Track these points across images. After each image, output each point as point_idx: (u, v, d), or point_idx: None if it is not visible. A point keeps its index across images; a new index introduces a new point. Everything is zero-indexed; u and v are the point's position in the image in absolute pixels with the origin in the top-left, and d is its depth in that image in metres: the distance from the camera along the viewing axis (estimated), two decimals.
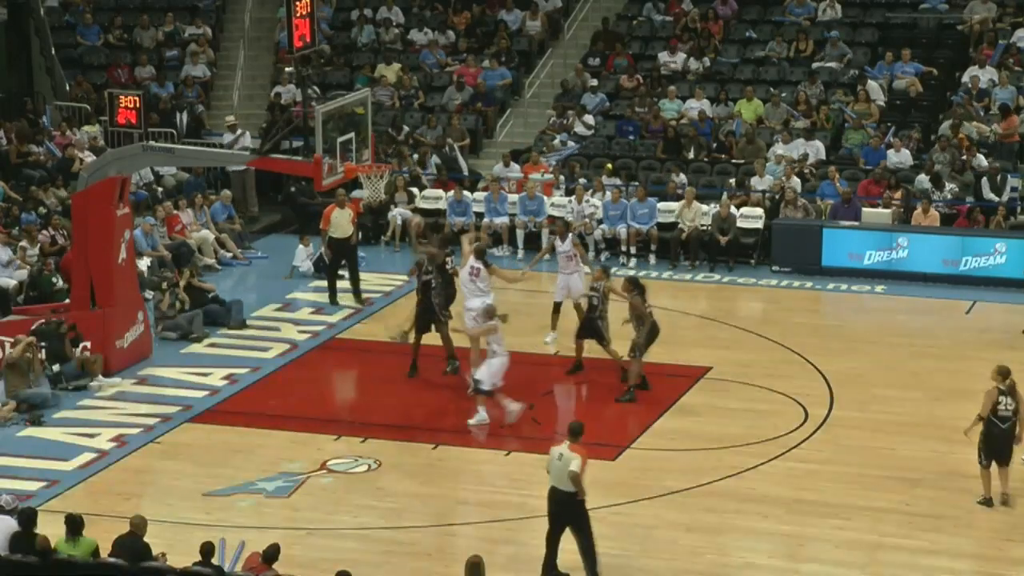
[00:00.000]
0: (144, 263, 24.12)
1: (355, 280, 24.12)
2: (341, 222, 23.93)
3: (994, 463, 16.25)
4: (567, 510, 14.49)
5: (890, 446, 18.26)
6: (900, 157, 27.53)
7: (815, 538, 15.87)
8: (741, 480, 17.19)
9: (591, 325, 20.38)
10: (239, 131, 28.90)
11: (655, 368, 20.61)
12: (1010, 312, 23.67)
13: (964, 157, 26.92)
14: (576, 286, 21.59)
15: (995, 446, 16.16)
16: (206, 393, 20.14)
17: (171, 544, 14.54)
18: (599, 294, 20.33)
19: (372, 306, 23.93)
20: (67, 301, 21.60)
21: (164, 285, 22.86)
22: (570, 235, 22.08)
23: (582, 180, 27.56)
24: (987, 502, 16.32)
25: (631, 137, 29.37)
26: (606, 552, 15.32)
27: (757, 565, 15.31)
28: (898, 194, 26.43)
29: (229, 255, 26.63)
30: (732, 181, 27.48)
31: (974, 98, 28.50)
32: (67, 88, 31.38)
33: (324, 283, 24.90)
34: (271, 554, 13.42)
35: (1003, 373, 16.28)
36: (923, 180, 26.65)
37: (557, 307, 21.79)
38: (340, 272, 24.14)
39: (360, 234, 27.14)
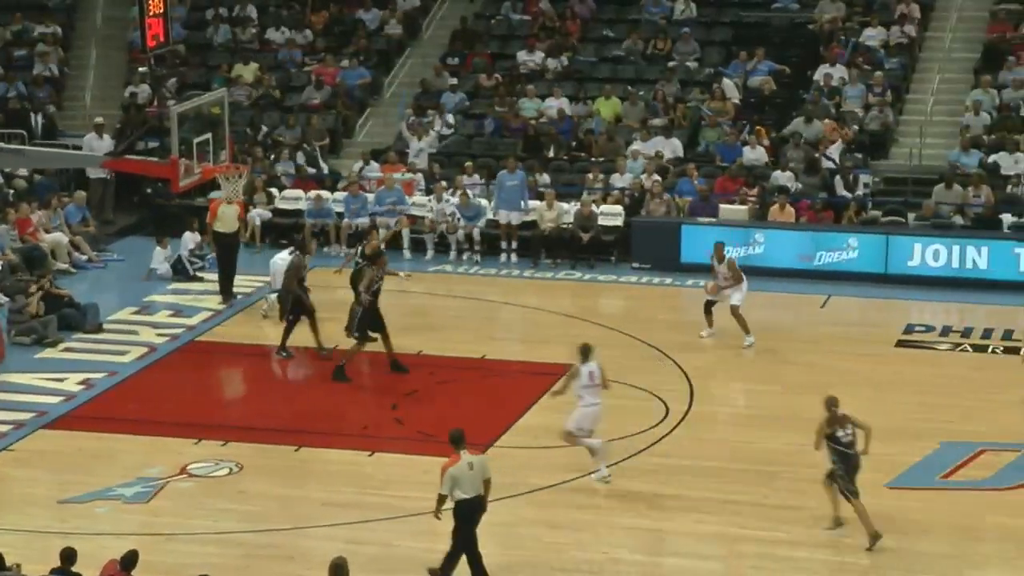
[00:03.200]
0: None
1: (231, 276, 23.82)
2: (227, 217, 23.63)
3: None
4: (481, 513, 14.40)
5: (749, 440, 18.53)
6: (756, 154, 27.94)
7: (676, 532, 16.04)
8: None
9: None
10: (104, 135, 28.29)
11: (517, 366, 20.67)
12: (863, 306, 24.15)
13: (816, 155, 27.42)
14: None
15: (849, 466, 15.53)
16: (61, 399, 19.76)
17: (26, 554, 14.20)
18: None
19: (232, 308, 23.67)
20: None
21: (32, 288, 22.35)
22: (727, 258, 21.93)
23: (443, 182, 27.52)
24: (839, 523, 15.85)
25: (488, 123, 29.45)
26: None
27: (619, 560, 15.43)
28: (754, 191, 26.84)
29: (84, 258, 26.16)
30: (590, 176, 27.65)
31: (825, 96, 29.05)
32: None
33: (182, 285, 24.61)
34: (129, 560, 13.18)
35: (832, 403, 15.55)
36: (779, 177, 27.09)
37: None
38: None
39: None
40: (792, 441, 18.31)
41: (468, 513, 14.34)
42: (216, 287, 24.04)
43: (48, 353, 21.59)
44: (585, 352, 16.93)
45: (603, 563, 15.31)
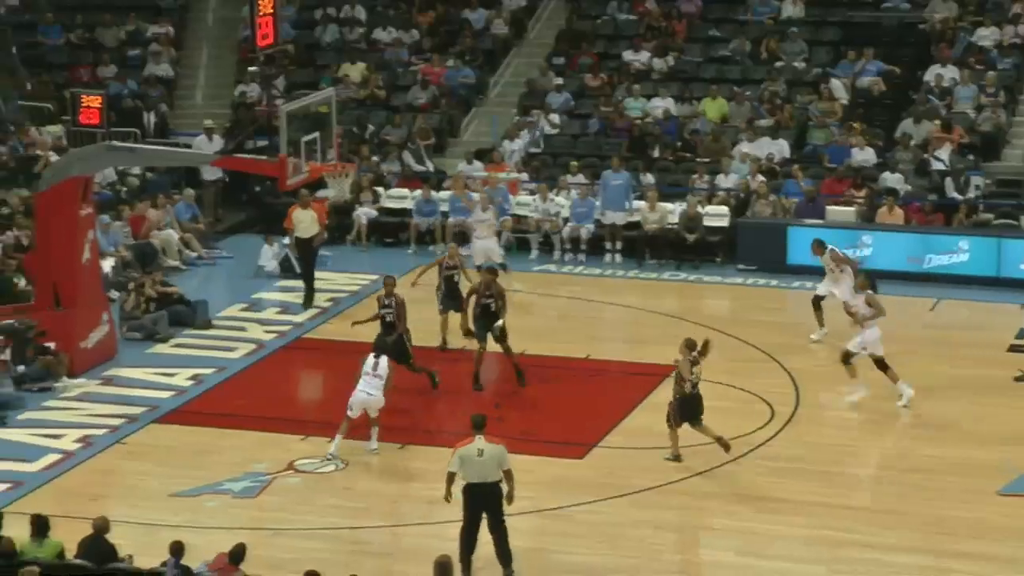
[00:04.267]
0: (108, 263, 23.98)
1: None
2: (303, 222, 23.77)
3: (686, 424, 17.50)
4: (492, 499, 14.63)
5: (854, 443, 18.38)
6: (865, 155, 27.65)
7: (781, 535, 15.93)
8: (708, 478, 17.25)
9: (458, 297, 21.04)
10: (215, 136, 28.57)
11: (622, 367, 20.65)
12: (973, 309, 23.80)
13: (926, 156, 27.09)
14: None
15: (687, 410, 17.38)
16: (172, 393, 20.07)
17: (137, 545, 14.47)
18: (457, 271, 21.24)
19: (339, 306, 23.87)
20: (32, 302, 21.48)
21: (131, 285, 22.76)
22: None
23: (544, 184, 27.56)
24: (677, 458, 17.50)
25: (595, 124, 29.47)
26: (574, 551, 15.38)
27: (724, 563, 15.36)
28: (862, 192, 26.56)
29: (194, 255, 26.52)
30: (695, 177, 27.55)
31: (936, 96, 28.67)
32: (29, 87, 31.15)
33: (290, 283, 24.80)
34: (237, 554, 13.38)
35: (690, 345, 17.43)
36: (888, 178, 26.79)
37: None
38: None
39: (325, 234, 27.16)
40: (898, 444, 18.19)
41: (468, 498, 14.58)
42: (322, 285, 24.24)
43: (159, 349, 21.93)
44: (377, 349, 18.31)
45: (707, 565, 15.27)
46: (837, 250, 22.05)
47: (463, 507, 14.66)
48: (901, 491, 16.86)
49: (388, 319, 19.73)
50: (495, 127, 29.96)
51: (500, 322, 19.89)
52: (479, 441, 14.62)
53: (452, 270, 21.44)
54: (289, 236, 24.41)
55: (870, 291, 19.83)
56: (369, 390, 17.87)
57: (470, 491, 14.59)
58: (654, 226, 26.28)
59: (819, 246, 22.04)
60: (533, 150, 29.24)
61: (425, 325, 20.97)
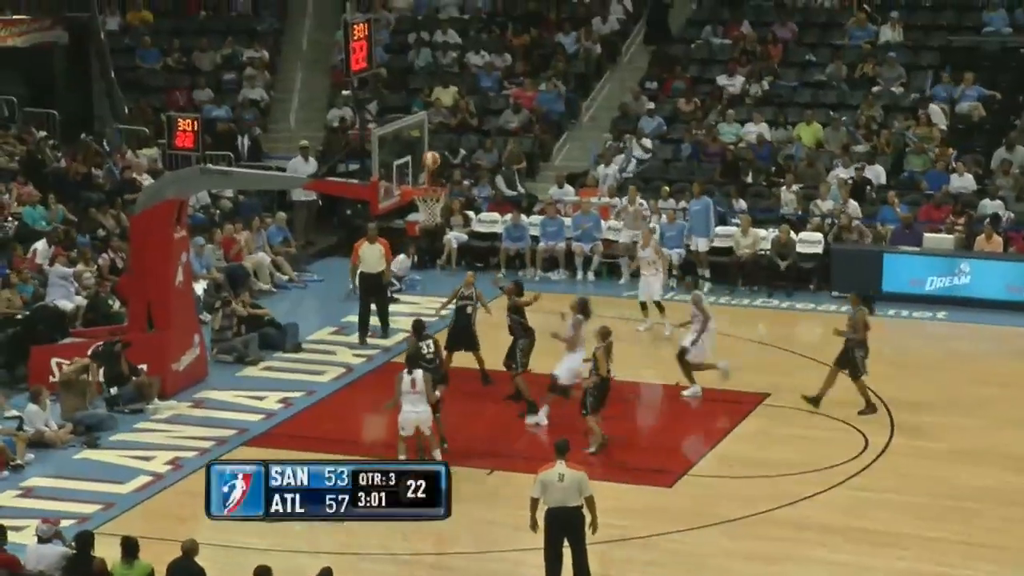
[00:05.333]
0: (200, 286, 24.15)
1: (384, 317, 23.46)
2: (369, 257, 23.34)
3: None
4: (572, 524, 14.58)
5: (951, 475, 18.02)
6: (963, 182, 27.21)
7: (873, 568, 15.66)
8: (799, 508, 17.00)
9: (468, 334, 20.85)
10: (310, 158, 28.61)
11: (712, 394, 20.43)
12: None
13: None
14: None
15: (603, 396, 18.37)
16: (261, 416, 20.15)
17: (225, 568, 14.50)
18: (473, 301, 20.87)
19: (427, 329, 23.79)
20: (124, 324, 21.68)
21: (217, 304, 22.93)
22: None
23: (640, 201, 27.41)
24: (604, 446, 18.37)
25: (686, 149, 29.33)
26: None
27: None
28: (961, 219, 26.12)
29: (285, 278, 26.65)
30: (783, 188, 27.22)
31: None
32: (125, 111, 31.57)
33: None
34: None
35: (604, 334, 18.38)
36: (988, 205, 26.34)
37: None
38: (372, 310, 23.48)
39: (416, 258, 27.21)
40: (996, 477, 17.84)
41: (549, 521, 14.59)
42: (411, 309, 24.20)
43: (249, 372, 22.03)
44: (410, 361, 18.14)
45: None
46: (701, 295, 21.28)
47: (544, 532, 14.63)
48: (998, 524, 16.52)
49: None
50: (593, 153, 29.88)
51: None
52: (560, 466, 14.59)
53: (466, 300, 20.87)
54: (351, 271, 24.09)
55: (580, 316, 19.56)
56: (415, 408, 17.93)
57: (550, 516, 14.57)
58: (746, 252, 26.05)
59: (692, 285, 22.31)
60: (625, 175, 29.10)
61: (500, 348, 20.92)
